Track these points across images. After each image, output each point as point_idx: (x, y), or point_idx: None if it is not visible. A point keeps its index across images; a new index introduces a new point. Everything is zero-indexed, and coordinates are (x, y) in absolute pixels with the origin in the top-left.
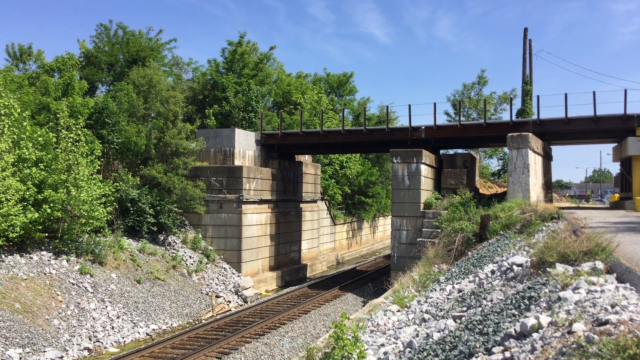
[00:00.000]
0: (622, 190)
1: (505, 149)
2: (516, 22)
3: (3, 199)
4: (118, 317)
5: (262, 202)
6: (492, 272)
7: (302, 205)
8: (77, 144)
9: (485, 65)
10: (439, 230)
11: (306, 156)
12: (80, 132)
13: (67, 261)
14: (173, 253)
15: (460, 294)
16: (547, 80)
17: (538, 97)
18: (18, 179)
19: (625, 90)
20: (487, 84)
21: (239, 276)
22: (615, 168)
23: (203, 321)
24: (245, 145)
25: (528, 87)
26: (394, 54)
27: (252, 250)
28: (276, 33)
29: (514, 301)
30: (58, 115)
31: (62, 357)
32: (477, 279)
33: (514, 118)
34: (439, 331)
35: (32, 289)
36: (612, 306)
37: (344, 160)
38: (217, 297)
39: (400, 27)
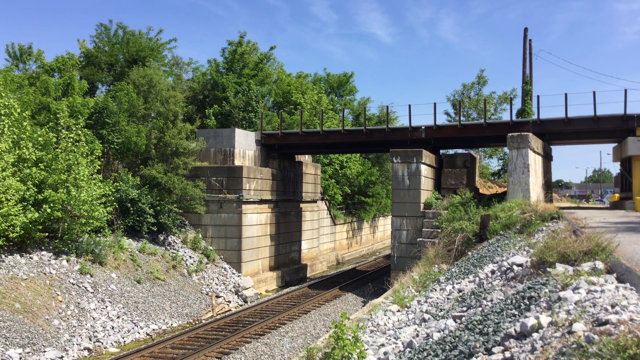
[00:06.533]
0: (622, 190)
1: (505, 149)
2: (519, 22)
3: (3, 199)
4: (118, 317)
5: (262, 202)
6: (492, 272)
7: (302, 205)
8: (77, 144)
9: (486, 65)
10: (439, 230)
11: (306, 156)
12: (80, 132)
13: (67, 261)
14: (173, 253)
15: (460, 294)
16: (547, 80)
17: (538, 97)
18: (18, 179)
19: (626, 90)
20: (487, 83)
21: (239, 276)
22: (615, 168)
23: (203, 321)
24: (245, 145)
25: (528, 87)
26: (396, 54)
27: (252, 250)
28: (278, 33)
29: (514, 301)
30: (58, 115)
31: (62, 357)
32: (477, 279)
33: (514, 118)
34: (439, 331)
35: (32, 289)
36: (612, 306)
37: (344, 160)
38: (217, 297)
39: (403, 27)
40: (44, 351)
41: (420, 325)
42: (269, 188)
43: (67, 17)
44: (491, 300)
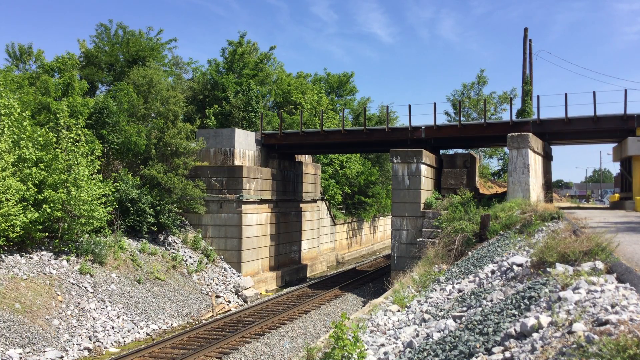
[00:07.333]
0: (622, 190)
1: (505, 149)
2: (519, 21)
3: (3, 199)
4: (118, 317)
5: (262, 202)
6: (492, 272)
7: (302, 205)
8: (77, 143)
9: (487, 65)
10: (439, 230)
11: (306, 156)
12: (80, 132)
13: (67, 261)
14: (173, 253)
15: (461, 294)
16: (547, 80)
17: (538, 97)
18: (18, 179)
19: (626, 90)
20: (487, 83)
21: (239, 276)
22: (615, 168)
23: (203, 321)
24: (245, 145)
25: (528, 87)
26: (396, 54)
27: (252, 250)
28: (279, 33)
29: (514, 301)
30: (58, 115)
31: (62, 357)
32: (477, 279)
33: (514, 118)
34: (439, 331)
35: (32, 289)
36: (612, 306)
37: (344, 160)
38: (217, 297)
39: (404, 26)
40: (44, 351)
41: (420, 325)
42: (269, 188)
43: (67, 17)
44: (491, 300)
